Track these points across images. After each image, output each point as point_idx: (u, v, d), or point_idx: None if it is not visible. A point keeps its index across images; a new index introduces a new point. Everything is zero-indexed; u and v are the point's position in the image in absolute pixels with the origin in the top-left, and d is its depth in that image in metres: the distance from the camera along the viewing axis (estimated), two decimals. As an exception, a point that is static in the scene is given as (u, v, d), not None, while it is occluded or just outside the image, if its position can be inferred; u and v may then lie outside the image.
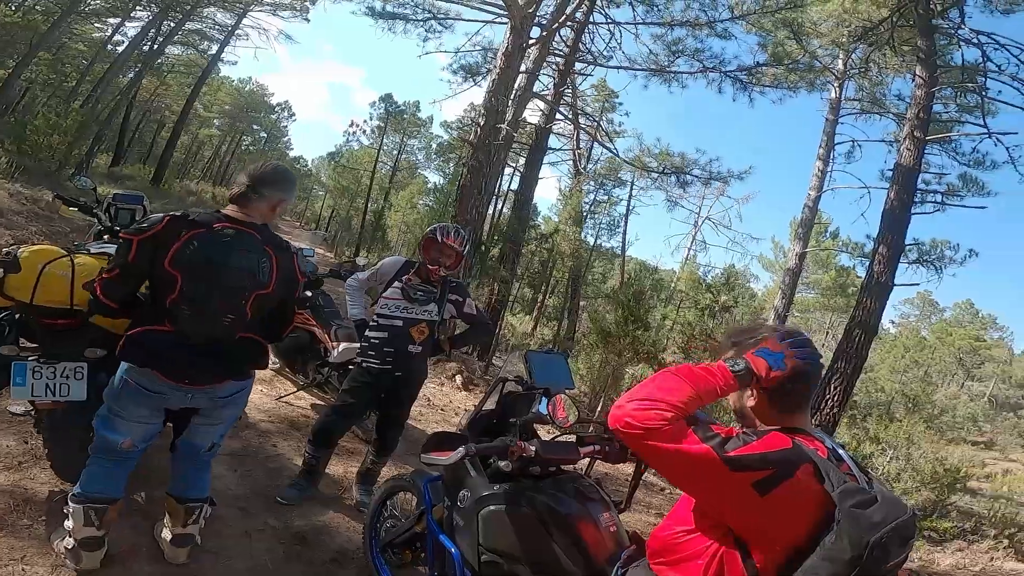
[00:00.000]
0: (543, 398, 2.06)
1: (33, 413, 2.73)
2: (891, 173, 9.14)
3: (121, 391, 2.07)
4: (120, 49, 19.54)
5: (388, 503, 2.72)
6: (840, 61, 12.33)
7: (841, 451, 1.38)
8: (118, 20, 19.96)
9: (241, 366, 2.19)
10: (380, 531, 2.67)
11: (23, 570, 2.10)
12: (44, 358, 2.24)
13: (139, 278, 2.03)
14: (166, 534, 2.31)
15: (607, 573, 1.70)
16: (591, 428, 2.16)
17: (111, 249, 2.46)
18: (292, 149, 47.04)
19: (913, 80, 9.21)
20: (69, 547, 2.13)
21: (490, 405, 2.19)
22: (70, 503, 2.11)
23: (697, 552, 1.35)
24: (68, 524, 2.12)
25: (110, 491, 2.12)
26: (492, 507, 1.90)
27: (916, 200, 8.72)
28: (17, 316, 2.29)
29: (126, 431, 2.11)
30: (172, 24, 19.26)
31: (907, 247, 8.73)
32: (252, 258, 2.04)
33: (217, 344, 2.04)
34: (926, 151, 8.92)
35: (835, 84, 12.75)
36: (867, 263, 9.10)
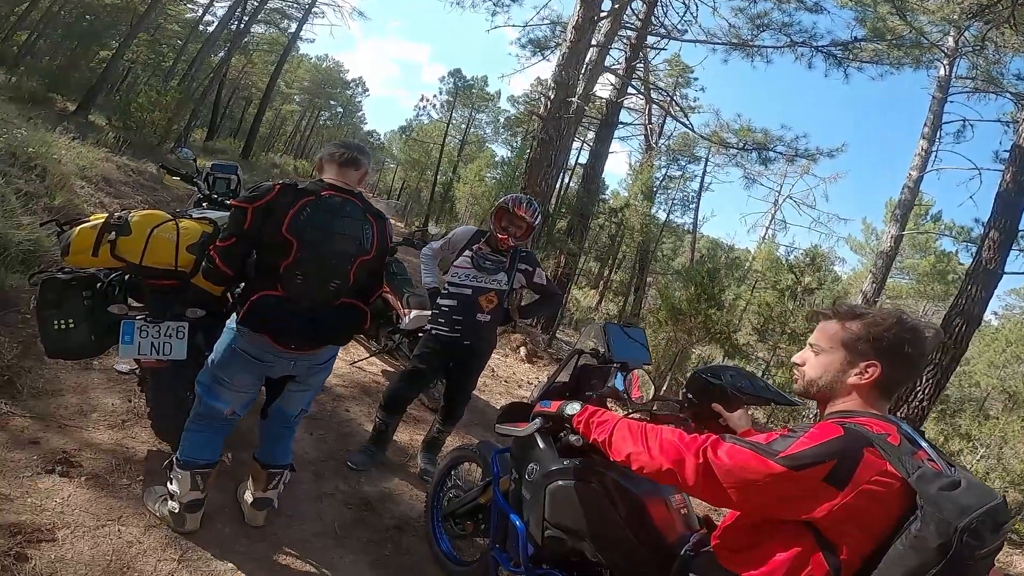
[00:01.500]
0: (619, 373, 2.00)
1: (137, 372, 2.90)
2: (1007, 154, 8.34)
3: (229, 360, 2.15)
4: (211, 29, 20.54)
5: (452, 473, 2.74)
6: (951, 38, 11.23)
7: (919, 437, 1.28)
8: (207, 0, 21.12)
9: (343, 331, 2.24)
10: (443, 500, 2.69)
11: (119, 531, 2.19)
12: (150, 317, 2.37)
13: (252, 244, 2.08)
14: (248, 496, 2.42)
15: (675, 555, 1.64)
16: (666, 406, 2.09)
17: (211, 214, 2.57)
18: (366, 123, 48.57)
19: (1036, 58, 8.37)
20: (174, 511, 2.24)
21: (564, 377, 2.14)
22: (176, 469, 2.22)
23: (772, 548, 1.28)
24: (172, 487, 2.22)
25: (211, 456, 2.25)
26: (561, 482, 1.86)
27: None
28: (126, 277, 2.42)
29: (229, 399, 2.21)
30: (256, 3, 20.01)
31: (1021, 233, 8.03)
32: (357, 224, 2.08)
33: (322, 310, 2.10)
34: None
35: (944, 62, 11.64)
36: (973, 248, 8.51)
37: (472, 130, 33.78)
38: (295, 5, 22.57)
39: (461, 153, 32.08)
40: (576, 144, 17.65)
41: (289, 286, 2.04)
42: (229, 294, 2.54)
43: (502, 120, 32.24)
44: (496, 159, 25.68)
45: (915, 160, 11.91)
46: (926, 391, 7.24)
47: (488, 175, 20.70)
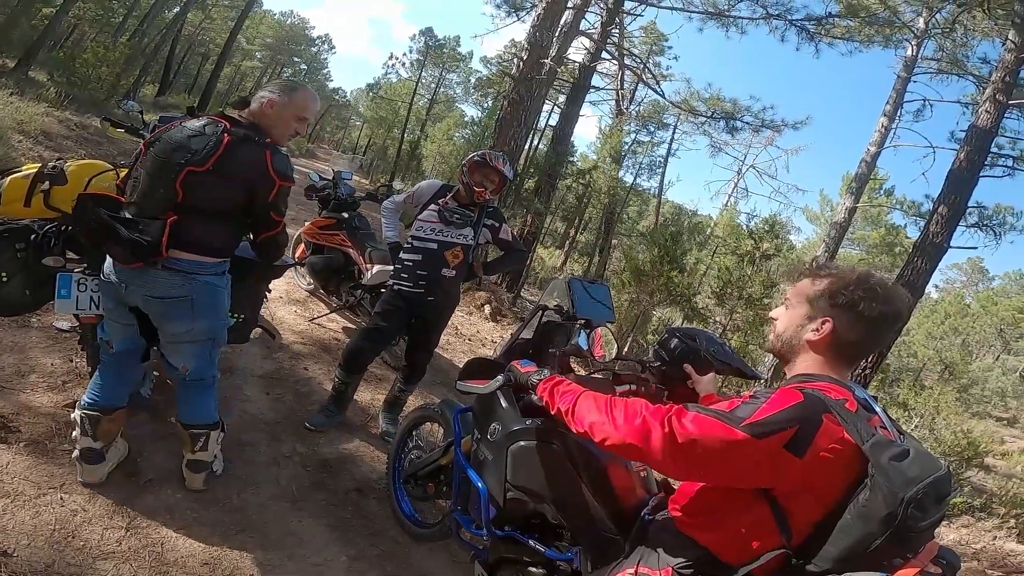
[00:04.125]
0: (582, 330, 1.96)
1: (78, 329, 2.74)
2: (963, 134, 8.74)
3: (103, 281, 2.10)
4: None
5: (414, 433, 2.71)
6: (922, 19, 11.54)
7: (873, 403, 1.28)
8: None
9: (144, 244, 1.90)
10: (404, 462, 2.66)
11: (61, 499, 2.11)
12: (88, 270, 2.26)
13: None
14: (184, 460, 2.33)
15: (634, 518, 1.65)
16: (628, 366, 2.08)
17: None
18: (331, 81, 47.05)
19: (1004, 44, 8.69)
20: (74, 457, 2.17)
21: (527, 334, 2.10)
22: (75, 411, 2.14)
23: (728, 514, 1.31)
24: (74, 433, 2.14)
25: (104, 399, 2.14)
26: (522, 443, 1.84)
27: (986, 163, 8.42)
28: (63, 228, 2.29)
29: (107, 327, 2.15)
30: None
31: (968, 210, 8.42)
32: (197, 138, 1.92)
33: (144, 221, 1.92)
34: (1005, 115, 8.52)
35: (913, 42, 12.02)
36: (921, 223, 8.90)
37: (442, 90, 33.22)
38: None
39: (430, 112, 31.52)
40: (547, 106, 17.57)
41: (128, 192, 1.99)
42: None
43: (473, 81, 31.65)
44: (466, 119, 25.46)
45: (875, 136, 12.39)
46: (869, 359, 7.53)
47: (457, 134, 20.46)
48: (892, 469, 1.10)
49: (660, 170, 23.06)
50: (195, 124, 1.95)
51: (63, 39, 21.10)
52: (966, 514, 6.53)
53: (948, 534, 5.88)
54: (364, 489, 2.76)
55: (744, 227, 12.94)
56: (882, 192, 18.61)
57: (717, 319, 7.88)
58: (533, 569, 1.85)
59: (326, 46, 41.54)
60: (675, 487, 1.54)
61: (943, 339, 22.57)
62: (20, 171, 2.20)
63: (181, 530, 2.16)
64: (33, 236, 2.24)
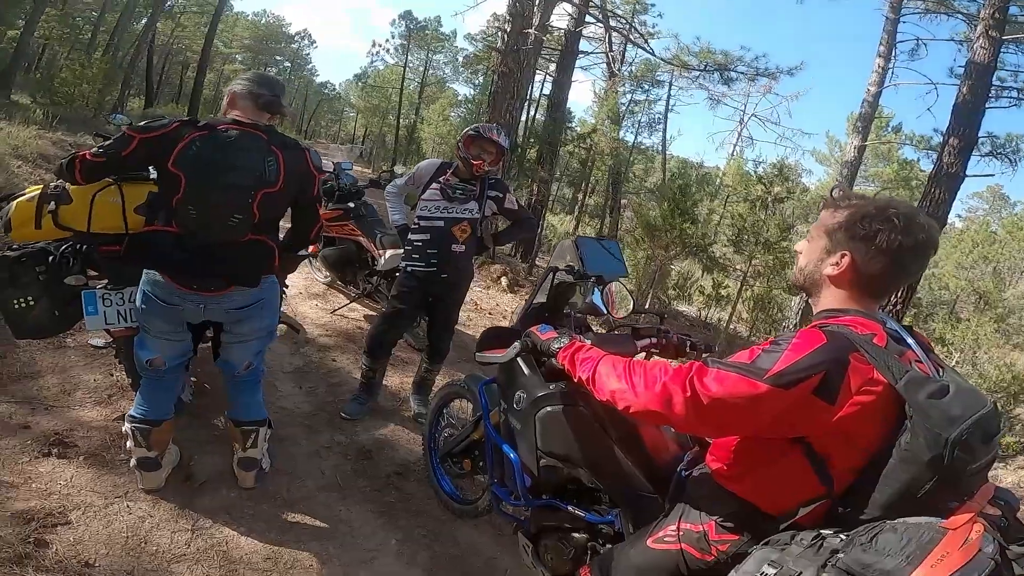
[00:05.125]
0: (596, 288, 1.92)
1: (113, 344, 2.82)
2: (962, 70, 8.50)
3: (144, 304, 2.09)
4: None
5: (444, 412, 2.71)
6: None
7: (906, 335, 1.22)
8: None
9: (247, 269, 2.09)
10: (439, 441, 2.65)
11: (128, 507, 2.19)
12: (110, 285, 2.29)
13: (119, 172, 2.05)
14: (235, 459, 2.39)
15: (670, 475, 1.63)
16: (646, 319, 2.05)
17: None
18: (318, 75, 46.55)
19: (989, -20, 8.40)
20: (133, 466, 2.23)
21: (541, 298, 2.07)
22: (126, 424, 2.19)
23: (765, 465, 1.28)
24: (128, 444, 2.21)
25: (153, 413, 2.19)
26: (549, 408, 1.81)
27: (990, 95, 8.16)
28: (79, 247, 2.31)
29: (154, 348, 2.15)
30: None
31: (980, 140, 8.26)
32: (256, 157, 1.96)
33: (225, 247, 1.99)
34: (1002, 50, 8.30)
35: None
36: (934, 156, 8.66)
37: (431, 72, 32.73)
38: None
39: (422, 95, 31.18)
40: (539, 76, 17.36)
41: (183, 221, 1.95)
42: None
43: (460, 59, 31.20)
44: (459, 98, 25.26)
45: (872, 76, 12.25)
46: (899, 294, 7.44)
47: (452, 114, 20.31)
48: (931, 408, 1.05)
49: (660, 127, 22.90)
50: (233, 138, 1.93)
51: (36, 60, 21.11)
52: (1021, 455, 6.29)
53: (1006, 476, 5.74)
54: (404, 472, 2.80)
55: (752, 174, 12.80)
56: (889, 129, 18.36)
57: (737, 267, 7.82)
58: (575, 535, 1.84)
59: (306, 41, 41.14)
60: (709, 440, 1.52)
61: (973, 268, 22.16)
62: (24, 194, 2.20)
63: (241, 528, 2.22)
64: (51, 258, 2.26)
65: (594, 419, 1.73)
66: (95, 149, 2.00)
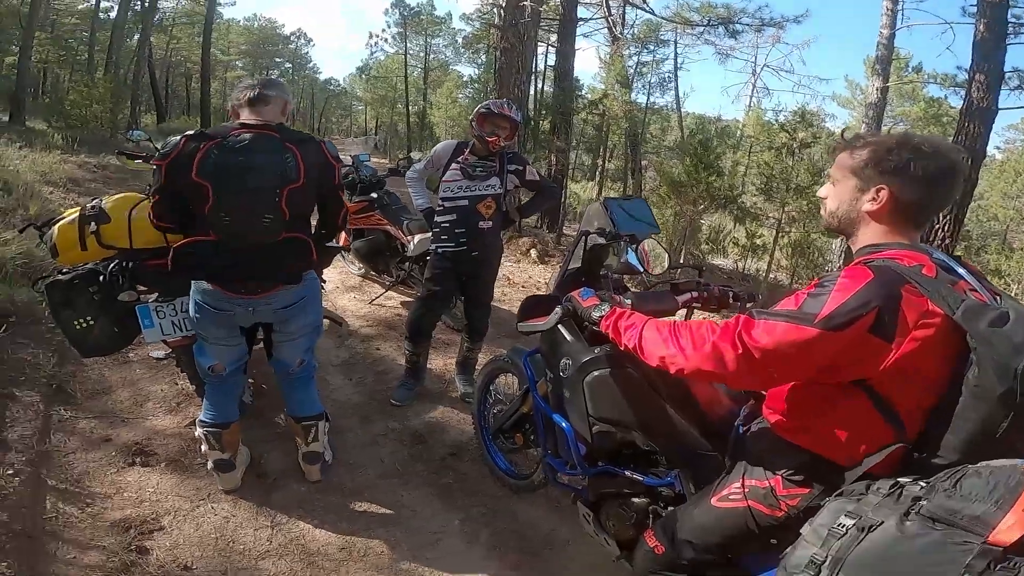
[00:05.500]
0: (629, 247, 1.88)
1: (172, 354, 2.91)
2: (974, 9, 8.10)
3: (198, 313, 2.16)
4: (113, 15, 19.59)
5: (491, 389, 2.70)
6: None
7: (956, 265, 1.18)
8: None
9: (287, 267, 2.14)
10: (488, 418, 2.65)
11: (212, 508, 2.29)
12: (161, 297, 2.37)
13: (176, 197, 2.07)
14: (299, 454, 2.47)
15: (727, 432, 1.59)
16: (684, 273, 2.02)
17: None
18: (320, 73, 46.58)
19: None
20: (210, 469, 2.34)
21: (575, 264, 2.04)
22: (197, 429, 2.30)
23: (827, 413, 1.23)
24: (203, 448, 2.31)
25: (221, 416, 2.27)
26: (596, 372, 1.77)
27: (1009, 32, 7.83)
28: (126, 264, 2.38)
29: (213, 354, 2.22)
30: None
31: (1006, 74, 7.93)
32: (274, 156, 1.98)
33: (262, 248, 2.03)
34: None
35: None
36: (961, 92, 8.35)
37: (432, 56, 32.47)
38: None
39: (427, 80, 31.01)
40: (542, 48, 17.13)
41: (219, 229, 1.99)
42: None
43: (460, 40, 30.93)
44: (464, 79, 25.07)
45: (883, 19, 11.79)
46: (946, 228, 7.22)
47: (460, 95, 20.22)
48: (994, 337, 1.01)
49: (672, 85, 22.51)
50: (247, 142, 1.96)
51: (40, 85, 21.54)
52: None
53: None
54: (458, 453, 2.84)
55: (774, 123, 12.49)
56: (910, 70, 17.77)
57: (770, 215, 7.67)
58: (636, 500, 1.82)
59: (303, 40, 41.00)
60: (764, 392, 1.48)
61: (1020, 198, 21.38)
62: (64, 218, 2.28)
63: (314, 520, 2.30)
64: (101, 277, 2.33)
65: (643, 380, 1.70)
66: (150, 195, 2.14)
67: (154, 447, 2.62)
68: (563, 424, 1.94)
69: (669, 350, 1.29)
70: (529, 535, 2.35)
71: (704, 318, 3.17)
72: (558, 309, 1.70)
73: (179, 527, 2.20)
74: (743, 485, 1.37)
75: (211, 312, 2.13)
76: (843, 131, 1.35)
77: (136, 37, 19.84)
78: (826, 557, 1.07)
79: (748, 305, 1.91)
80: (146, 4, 19.05)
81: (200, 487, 2.41)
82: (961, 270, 1.17)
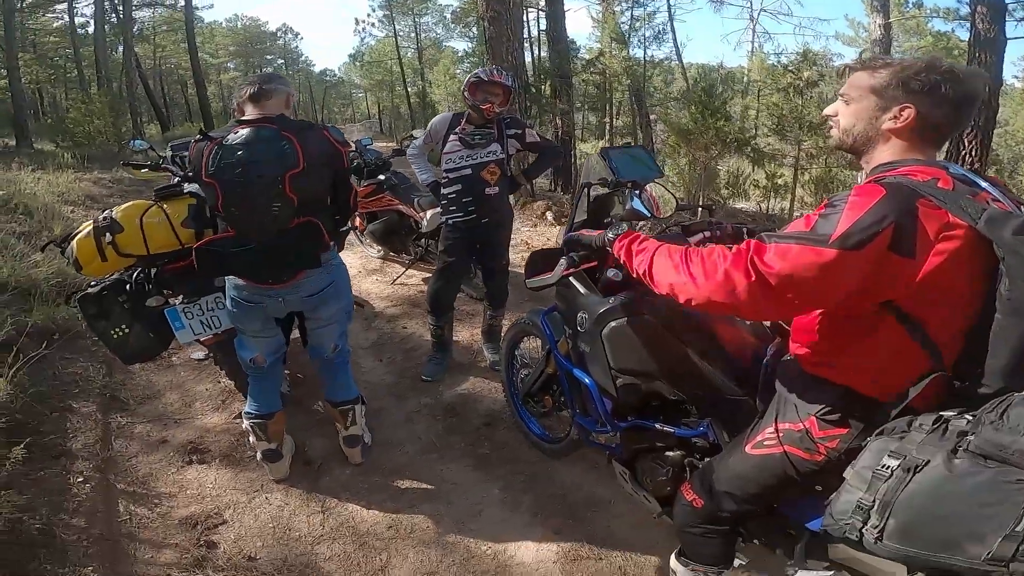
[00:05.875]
0: (633, 193, 1.81)
1: (210, 354, 3.02)
2: None
3: (234, 309, 2.23)
4: (91, 30, 19.55)
5: (516, 354, 2.69)
6: None
7: (976, 177, 1.13)
8: (64, 4, 20.36)
9: (304, 252, 2.15)
10: (517, 384, 2.63)
11: (267, 499, 2.39)
12: (186, 299, 2.43)
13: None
14: (340, 438, 2.54)
15: (755, 371, 1.53)
16: (696, 213, 1.98)
17: (193, 187, 2.51)
18: (314, 65, 46.34)
19: None
20: (259, 460, 2.44)
21: (581, 216, 1.99)
22: (244, 422, 2.38)
23: (856, 343, 1.18)
24: (251, 440, 2.40)
25: (265, 407, 2.35)
26: (613, 323, 1.73)
27: None
28: (149, 270, 2.44)
29: (252, 347, 2.29)
30: None
31: (1009, 5, 7.80)
32: (271, 146, 1.99)
33: (278, 236, 2.06)
34: None
35: None
36: (967, 25, 8.13)
37: (423, 35, 32.07)
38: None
39: (422, 60, 30.66)
40: (532, 14, 16.80)
41: (233, 223, 2.04)
42: None
43: (449, 16, 30.46)
44: (459, 54, 24.74)
45: None
46: (973, 152, 7.08)
47: (458, 70, 20.01)
48: (1022, 245, 0.96)
49: (668, 37, 22.02)
50: (244, 136, 1.99)
51: (39, 107, 21.73)
52: None
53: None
54: (492, 422, 2.87)
55: (777, 64, 12.17)
56: (910, 5, 17.14)
57: (788, 155, 7.54)
58: (670, 453, 1.78)
59: (290, 35, 40.67)
60: (788, 327, 1.43)
61: None
62: (80, 232, 2.33)
63: (361, 502, 2.37)
64: (128, 286, 2.40)
65: (662, 326, 1.64)
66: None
67: (207, 444, 2.73)
68: (586, 380, 1.90)
69: (679, 278, 1.22)
70: (570, 498, 2.36)
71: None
72: (563, 260, 1.66)
73: (240, 519, 2.29)
74: (776, 430, 1.31)
75: (245, 306, 2.21)
76: (861, 52, 1.29)
77: (120, 49, 19.95)
78: (873, 501, 1.04)
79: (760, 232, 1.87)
80: (121, 16, 19.12)
81: (253, 479, 2.50)
82: (982, 182, 1.13)
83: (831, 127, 1.30)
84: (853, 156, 1.28)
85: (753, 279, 1.10)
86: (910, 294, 1.06)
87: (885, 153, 1.19)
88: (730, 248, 1.17)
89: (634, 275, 1.39)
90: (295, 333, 2.61)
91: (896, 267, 1.04)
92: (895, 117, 1.16)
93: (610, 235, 1.49)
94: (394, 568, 2.06)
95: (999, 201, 1.08)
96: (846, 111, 1.25)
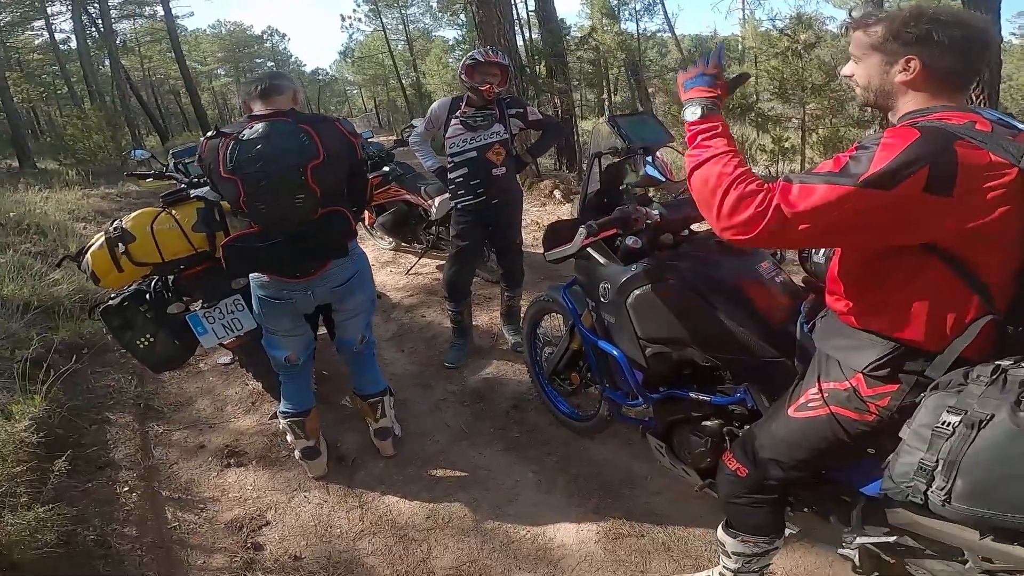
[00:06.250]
0: (645, 159, 1.78)
1: (235, 358, 3.05)
2: None
3: (262, 309, 2.23)
4: (74, 45, 19.59)
5: (538, 333, 2.66)
6: None
7: (1013, 120, 1.09)
8: (41, 22, 20.32)
9: (332, 241, 2.15)
10: (541, 364, 2.61)
11: (306, 497, 2.40)
12: (205, 304, 2.44)
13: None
14: (371, 431, 2.55)
15: (791, 331, 1.47)
16: None
17: (200, 191, 2.53)
18: (305, 66, 46.21)
19: None
20: (297, 458, 2.44)
21: (594, 186, 1.96)
22: (280, 422, 2.39)
23: (899, 289, 1.12)
24: (289, 439, 2.41)
25: (299, 404, 2.36)
26: (637, 291, 1.69)
27: None
28: (167, 278, 2.46)
29: (284, 346, 2.29)
30: (96, 4, 18.70)
31: None
32: (290, 138, 1.98)
33: (304, 228, 2.05)
34: None
35: None
36: None
37: (412, 26, 31.83)
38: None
39: (413, 51, 30.46)
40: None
41: (258, 218, 2.03)
42: None
43: (435, 5, 30.18)
44: (450, 43, 24.57)
45: None
46: (982, 106, 7.00)
47: (450, 59, 19.91)
48: None
49: (659, 7, 21.76)
50: (261, 131, 1.97)
51: (36, 126, 21.81)
52: None
53: None
54: (520, 405, 2.87)
55: (772, 29, 11.99)
56: None
57: (792, 118, 7.46)
58: (707, 423, 1.73)
59: (276, 37, 40.47)
60: (820, 280, 1.38)
61: None
62: (93, 244, 2.34)
63: (397, 494, 2.38)
64: (147, 295, 2.42)
65: (689, 289, 1.60)
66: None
67: (243, 447, 2.76)
68: (614, 352, 1.85)
69: (712, 200, 1.16)
70: (606, 476, 2.34)
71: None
72: (582, 229, 1.62)
73: (282, 519, 2.31)
74: (820, 390, 1.26)
75: (273, 304, 2.20)
76: (850, 11, 1.25)
77: (107, 62, 19.92)
78: (937, 461, 1.00)
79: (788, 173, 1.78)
80: (102, 29, 19.03)
81: (290, 479, 2.51)
82: (1019, 124, 1.08)
83: (853, 86, 1.26)
84: (880, 112, 1.24)
85: (775, 220, 1.07)
86: (955, 235, 1.02)
87: (910, 103, 1.16)
88: (763, 186, 1.13)
89: (688, 163, 1.28)
90: (321, 329, 2.62)
91: (934, 208, 1.00)
92: (904, 70, 1.13)
93: (687, 114, 1.31)
94: (435, 558, 2.07)
95: None
96: (859, 70, 1.22)
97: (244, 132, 1.97)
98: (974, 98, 6.91)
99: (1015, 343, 1.05)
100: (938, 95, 1.13)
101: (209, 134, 2.04)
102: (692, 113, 1.30)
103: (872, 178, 1.00)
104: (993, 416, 0.94)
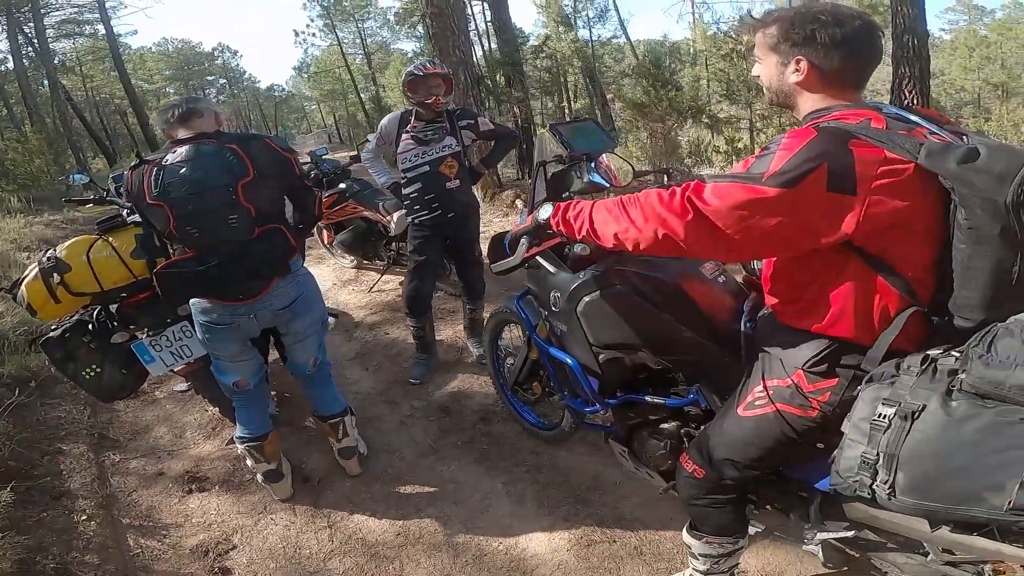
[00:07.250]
0: (589, 166, 1.80)
1: (191, 384, 2.97)
2: None
3: (206, 335, 2.16)
4: (10, 65, 18.84)
5: (499, 344, 2.66)
6: None
7: (909, 114, 1.13)
8: None
9: (271, 261, 2.08)
10: (504, 374, 2.61)
11: (272, 519, 2.35)
12: (151, 331, 2.37)
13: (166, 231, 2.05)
14: (335, 451, 2.50)
15: (736, 331, 1.50)
16: (654, 180, 1.98)
17: (137, 217, 2.43)
18: (259, 82, 45.40)
19: None
20: (260, 482, 2.39)
21: (542, 195, 1.97)
22: (239, 447, 2.33)
23: (826, 288, 1.16)
24: (249, 463, 2.35)
25: (256, 429, 2.30)
26: (587, 298, 1.71)
27: None
28: (109, 307, 2.39)
29: (232, 371, 2.23)
30: (32, 24, 18.23)
31: None
32: (216, 157, 1.93)
33: (241, 247, 2.00)
34: None
35: None
36: None
37: (369, 39, 31.67)
38: (77, 8, 20.80)
39: (371, 65, 30.28)
40: (477, 7, 16.79)
41: (192, 242, 1.97)
42: None
43: (392, 18, 30.13)
44: (408, 56, 24.55)
45: None
46: (914, 102, 7.23)
47: (409, 71, 20.03)
48: (967, 174, 0.94)
49: (612, 15, 22.30)
50: (185, 154, 1.93)
51: None
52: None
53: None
54: (487, 417, 2.85)
55: (719, 32, 12.38)
56: None
57: (742, 119, 7.71)
58: (665, 425, 1.76)
59: (227, 53, 39.86)
60: (757, 277, 1.42)
61: (981, 68, 21.41)
62: (27, 276, 2.27)
63: (366, 512, 2.35)
64: (90, 325, 2.34)
65: (636, 294, 1.62)
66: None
67: (205, 472, 2.69)
68: (568, 360, 1.87)
69: (620, 225, 1.22)
70: (575, 483, 2.35)
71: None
72: (524, 240, 1.60)
73: (249, 543, 2.26)
74: (765, 388, 1.28)
75: (216, 329, 2.13)
76: (749, 11, 1.32)
77: (46, 83, 19.40)
78: (877, 455, 1.00)
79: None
80: (38, 48, 18.52)
81: (255, 502, 2.46)
82: (915, 117, 1.12)
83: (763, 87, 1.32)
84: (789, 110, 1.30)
85: (691, 216, 1.11)
86: (864, 232, 1.05)
87: (808, 103, 1.20)
88: (666, 188, 1.17)
89: (576, 238, 1.37)
90: (273, 354, 2.56)
91: (839, 205, 1.03)
92: (796, 70, 1.18)
93: (543, 216, 1.46)
94: (408, 575, 2.05)
95: (936, 134, 1.08)
96: (762, 71, 1.27)
97: (168, 157, 1.92)
98: (907, 94, 7.22)
99: (943, 333, 1.08)
100: (834, 94, 1.17)
101: (132, 163, 1.98)
102: (544, 213, 1.46)
103: (773, 177, 1.04)
104: (925, 407, 0.96)
